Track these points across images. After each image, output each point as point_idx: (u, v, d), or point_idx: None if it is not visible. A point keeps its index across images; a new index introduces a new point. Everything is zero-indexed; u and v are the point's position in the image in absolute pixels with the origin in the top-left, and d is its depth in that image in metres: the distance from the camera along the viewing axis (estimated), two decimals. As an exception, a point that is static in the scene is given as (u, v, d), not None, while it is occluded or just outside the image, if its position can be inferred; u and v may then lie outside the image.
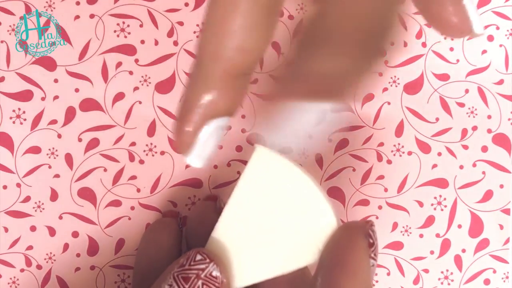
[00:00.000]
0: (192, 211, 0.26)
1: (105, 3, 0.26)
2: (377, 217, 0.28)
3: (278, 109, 0.17)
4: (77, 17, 0.26)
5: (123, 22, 0.26)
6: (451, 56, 0.27)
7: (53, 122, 0.26)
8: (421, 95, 0.27)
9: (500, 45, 0.27)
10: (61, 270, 0.27)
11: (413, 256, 0.28)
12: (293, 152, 0.20)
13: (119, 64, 0.26)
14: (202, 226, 0.23)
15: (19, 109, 0.26)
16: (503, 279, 0.28)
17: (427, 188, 0.28)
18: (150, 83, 0.27)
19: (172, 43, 0.27)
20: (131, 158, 0.27)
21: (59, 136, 0.26)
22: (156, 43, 0.27)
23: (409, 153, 0.27)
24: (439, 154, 0.27)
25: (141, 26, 0.27)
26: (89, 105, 0.26)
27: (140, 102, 0.27)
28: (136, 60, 0.27)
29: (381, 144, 0.27)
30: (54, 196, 0.27)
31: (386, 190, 0.27)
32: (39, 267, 0.27)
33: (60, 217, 0.27)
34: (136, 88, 0.27)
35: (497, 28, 0.27)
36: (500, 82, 0.27)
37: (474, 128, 0.27)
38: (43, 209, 0.26)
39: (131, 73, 0.27)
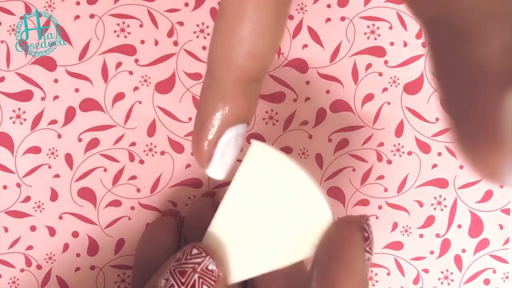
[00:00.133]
0: (190, 207, 0.26)
1: (105, 3, 0.26)
2: (377, 217, 0.28)
3: None
4: (77, 17, 0.26)
5: (123, 22, 0.26)
6: (451, 56, 0.27)
7: (53, 122, 0.26)
8: (421, 95, 0.27)
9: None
10: (61, 270, 0.27)
11: (413, 256, 0.28)
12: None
13: (119, 64, 0.26)
14: (199, 222, 0.23)
15: (19, 109, 0.26)
16: (503, 279, 0.28)
17: (427, 188, 0.28)
18: (150, 83, 0.27)
19: (172, 43, 0.27)
20: (131, 158, 0.27)
21: (59, 136, 0.26)
22: (156, 43, 0.27)
23: (409, 153, 0.27)
24: (439, 154, 0.27)
25: (141, 26, 0.27)
26: (89, 105, 0.26)
27: (140, 102, 0.27)
28: (136, 60, 0.27)
29: (381, 144, 0.27)
30: (54, 196, 0.27)
31: (386, 190, 0.27)
32: (39, 267, 0.27)
33: (60, 217, 0.27)
34: (136, 88, 0.27)
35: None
36: (500, 82, 0.27)
37: (474, 128, 0.27)
38: (43, 209, 0.26)
39: (131, 73, 0.27)
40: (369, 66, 0.27)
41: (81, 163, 0.27)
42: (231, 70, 0.16)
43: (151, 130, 0.27)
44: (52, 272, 0.27)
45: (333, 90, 0.27)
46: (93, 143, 0.27)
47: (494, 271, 0.28)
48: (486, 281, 0.28)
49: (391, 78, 0.27)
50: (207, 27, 0.27)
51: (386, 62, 0.27)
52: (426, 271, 0.28)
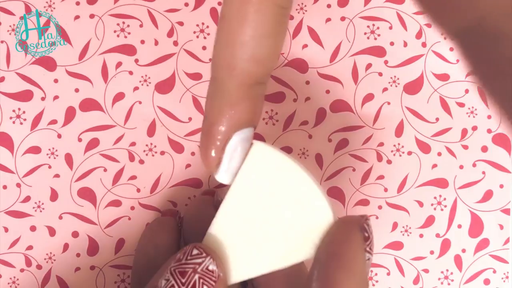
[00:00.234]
0: (189, 206, 0.26)
1: (105, 3, 0.26)
2: (377, 217, 0.28)
3: None
4: (77, 17, 0.26)
5: (123, 22, 0.26)
6: (451, 56, 0.27)
7: (53, 122, 0.26)
8: (421, 95, 0.27)
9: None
10: (61, 270, 0.27)
11: (413, 256, 0.28)
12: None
13: (119, 64, 0.26)
14: (199, 221, 0.23)
15: (19, 109, 0.26)
16: (503, 279, 0.28)
17: (427, 188, 0.28)
18: (150, 83, 0.27)
19: (172, 43, 0.27)
20: (131, 158, 0.27)
21: (59, 136, 0.26)
22: (156, 43, 0.27)
23: (409, 153, 0.27)
24: (439, 154, 0.27)
25: (141, 26, 0.27)
26: (89, 105, 0.26)
27: (140, 102, 0.27)
28: (136, 60, 0.27)
29: (381, 144, 0.27)
30: (54, 196, 0.27)
31: (386, 190, 0.27)
32: (39, 267, 0.27)
33: (60, 217, 0.27)
34: (136, 88, 0.27)
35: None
36: (500, 82, 0.27)
37: (474, 128, 0.27)
38: (43, 209, 0.26)
39: (131, 73, 0.27)
40: (369, 66, 0.27)
41: (81, 163, 0.27)
42: (235, 74, 0.16)
43: (151, 130, 0.27)
44: (52, 272, 0.27)
45: (333, 90, 0.27)
46: (93, 143, 0.27)
47: (494, 271, 0.28)
48: (486, 281, 0.28)
49: (391, 78, 0.27)
50: (207, 27, 0.27)
51: (386, 62, 0.27)
52: (426, 271, 0.28)
